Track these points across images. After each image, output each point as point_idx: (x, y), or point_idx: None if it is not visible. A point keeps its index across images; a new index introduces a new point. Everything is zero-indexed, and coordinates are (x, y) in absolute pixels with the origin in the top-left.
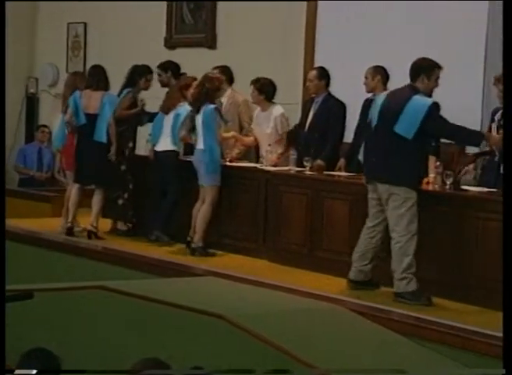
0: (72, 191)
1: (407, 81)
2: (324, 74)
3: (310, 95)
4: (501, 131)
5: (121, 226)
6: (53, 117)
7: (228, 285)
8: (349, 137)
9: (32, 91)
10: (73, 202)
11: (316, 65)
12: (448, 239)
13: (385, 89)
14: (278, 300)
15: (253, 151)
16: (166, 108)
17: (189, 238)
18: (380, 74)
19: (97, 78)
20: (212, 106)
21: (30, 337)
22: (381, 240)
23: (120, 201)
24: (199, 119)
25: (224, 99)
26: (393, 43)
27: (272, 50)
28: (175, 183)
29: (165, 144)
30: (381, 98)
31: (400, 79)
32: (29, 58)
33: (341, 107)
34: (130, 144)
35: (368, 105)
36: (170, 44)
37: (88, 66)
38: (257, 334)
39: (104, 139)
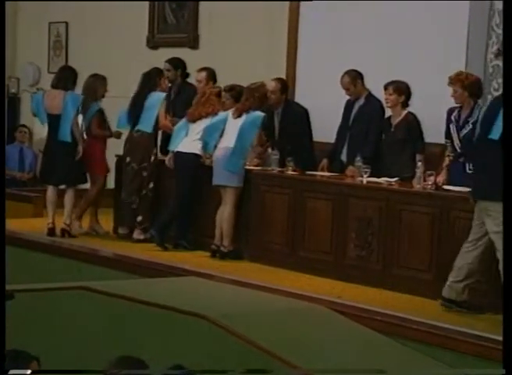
0: (48, 191)
1: (388, 80)
2: (285, 87)
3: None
4: (463, 131)
5: (137, 234)
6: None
7: (210, 285)
8: (331, 137)
9: (13, 90)
10: (51, 202)
11: (298, 65)
12: (429, 238)
13: (366, 89)
14: (260, 300)
15: None
16: (197, 116)
17: (214, 246)
18: (358, 78)
19: (60, 78)
20: (260, 113)
21: (12, 337)
22: (478, 257)
23: (133, 206)
24: (237, 121)
25: None
26: (375, 44)
27: (254, 50)
28: (192, 186)
29: (189, 146)
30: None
31: (380, 79)
32: (10, 57)
33: (303, 113)
34: (154, 151)
35: (349, 106)
36: (152, 43)
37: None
38: (239, 334)
39: (68, 138)
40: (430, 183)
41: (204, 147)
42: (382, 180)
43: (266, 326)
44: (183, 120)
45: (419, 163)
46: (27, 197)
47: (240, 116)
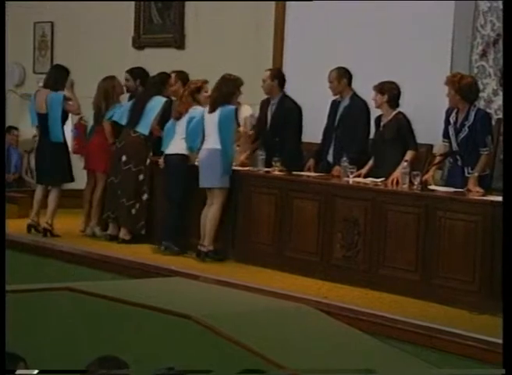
0: (37, 189)
1: (374, 80)
2: (277, 75)
3: (266, 95)
4: (460, 135)
5: (124, 235)
6: (21, 118)
7: (196, 286)
8: (317, 137)
9: None
10: (37, 200)
11: (285, 64)
12: (415, 238)
13: (351, 90)
14: (246, 300)
15: None
16: (178, 114)
17: (200, 247)
18: (345, 77)
19: (50, 77)
20: (232, 107)
21: None
22: None
23: (133, 211)
24: (213, 118)
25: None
26: (360, 44)
27: (241, 50)
28: (180, 187)
29: (176, 147)
30: None
31: (365, 79)
32: None
33: (296, 110)
34: (150, 154)
35: (335, 107)
36: (138, 44)
37: None
38: (224, 334)
39: (61, 139)
40: (416, 183)
41: (189, 149)
42: (368, 180)
43: (252, 326)
44: (171, 119)
45: (405, 163)
46: (13, 198)
47: (214, 110)
